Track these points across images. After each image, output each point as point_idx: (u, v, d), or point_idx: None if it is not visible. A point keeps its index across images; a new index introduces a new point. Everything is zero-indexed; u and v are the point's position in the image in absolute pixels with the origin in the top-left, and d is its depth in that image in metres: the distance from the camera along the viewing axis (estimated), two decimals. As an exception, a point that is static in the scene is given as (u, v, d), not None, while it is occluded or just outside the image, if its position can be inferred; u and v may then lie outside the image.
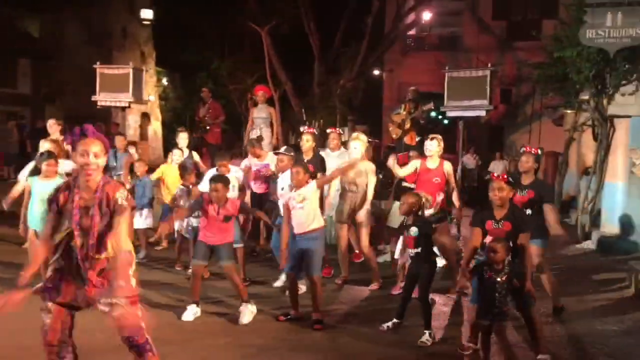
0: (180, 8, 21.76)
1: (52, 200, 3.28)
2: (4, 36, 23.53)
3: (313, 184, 5.20)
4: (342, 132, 7.82)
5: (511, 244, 4.21)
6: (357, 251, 7.06)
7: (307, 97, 15.87)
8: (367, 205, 6.29)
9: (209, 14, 20.22)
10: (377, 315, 5.33)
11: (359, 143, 6.32)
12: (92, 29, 21.87)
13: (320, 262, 5.28)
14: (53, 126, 7.91)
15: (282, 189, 6.13)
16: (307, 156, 6.75)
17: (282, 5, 15.44)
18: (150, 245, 7.75)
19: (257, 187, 7.51)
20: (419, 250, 4.90)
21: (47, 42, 23.86)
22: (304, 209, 5.13)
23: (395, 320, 5.03)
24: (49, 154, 5.83)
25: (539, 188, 5.20)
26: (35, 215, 5.74)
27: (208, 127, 11.09)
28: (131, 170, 8.16)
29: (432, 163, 6.31)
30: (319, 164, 6.63)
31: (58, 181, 5.70)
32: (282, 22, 15.44)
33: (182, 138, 8.30)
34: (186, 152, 8.20)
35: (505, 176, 4.47)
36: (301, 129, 7.65)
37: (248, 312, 5.19)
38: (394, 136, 9.84)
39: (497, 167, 15.21)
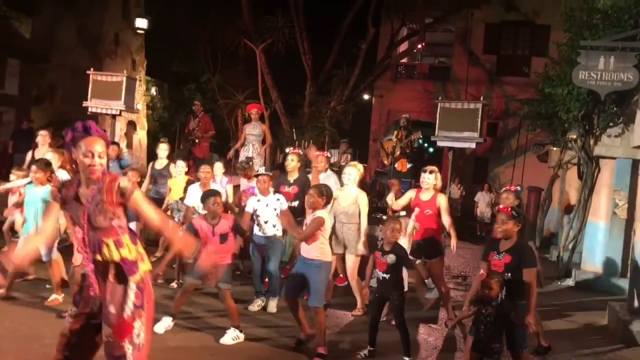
0: (173, 18, 21.80)
1: (56, 194, 3.21)
2: (-6, 34, 23.33)
3: (323, 211, 5.09)
4: (330, 155, 7.84)
5: (510, 276, 4.21)
6: (341, 275, 7.04)
7: (297, 117, 15.93)
8: (363, 237, 6.20)
9: (202, 27, 20.28)
10: (360, 342, 5.30)
11: (354, 170, 6.27)
12: (85, 33, 21.78)
13: (324, 292, 5.16)
14: (45, 137, 7.81)
15: (267, 205, 6.16)
16: (292, 176, 6.79)
17: (277, 24, 15.57)
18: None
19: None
20: (387, 276, 4.89)
21: (38, 44, 23.67)
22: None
23: (369, 347, 5.00)
24: (38, 162, 5.82)
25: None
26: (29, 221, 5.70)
27: (197, 141, 11.06)
28: None
29: (426, 195, 6.25)
30: (305, 185, 6.63)
31: (47, 188, 5.67)
32: (277, 41, 15.55)
33: (162, 149, 8.27)
34: (165, 162, 8.17)
35: (510, 209, 4.48)
36: (286, 149, 7.65)
37: (232, 336, 5.12)
38: (385, 162, 9.92)
39: (483, 199, 15.34)
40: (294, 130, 13.36)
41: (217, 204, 5.19)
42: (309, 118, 15.27)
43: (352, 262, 6.32)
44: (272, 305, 6.25)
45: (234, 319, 5.17)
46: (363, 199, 6.26)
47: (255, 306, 6.27)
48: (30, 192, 5.78)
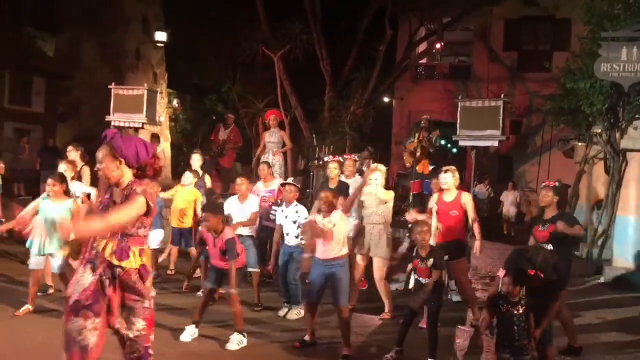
0: (192, 30, 22.03)
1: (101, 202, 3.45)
2: (20, 55, 23.88)
3: (339, 211, 5.16)
4: (357, 159, 7.82)
5: (552, 246, 4.55)
6: (363, 279, 7.01)
7: (317, 122, 15.92)
8: (388, 235, 6.23)
9: (220, 37, 20.45)
10: (389, 345, 5.26)
11: (379, 174, 6.30)
12: (107, 49, 22.13)
13: (348, 290, 5.20)
14: (71, 152, 7.92)
15: (286, 217, 6.23)
16: (333, 184, 6.79)
17: (294, 31, 15.60)
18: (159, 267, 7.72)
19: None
20: (427, 280, 4.88)
21: (62, 62, 24.12)
22: (332, 236, 5.09)
23: (396, 348, 4.96)
24: (54, 176, 5.86)
25: (563, 220, 5.12)
26: (37, 234, 5.73)
27: (225, 152, 11.19)
28: None
29: (449, 196, 6.16)
30: (344, 191, 6.63)
31: (67, 203, 5.73)
32: (294, 48, 15.58)
33: (195, 159, 8.37)
34: (199, 173, 8.24)
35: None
36: (326, 158, 7.71)
37: (237, 341, 5.18)
38: (407, 165, 9.85)
39: (507, 198, 15.13)
40: (314, 135, 13.34)
41: (207, 220, 5.33)
42: (329, 123, 15.24)
43: (379, 265, 6.30)
44: (293, 313, 6.27)
45: (239, 324, 5.25)
46: (390, 197, 6.33)
47: (283, 312, 6.31)
48: (46, 206, 5.76)
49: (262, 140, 10.34)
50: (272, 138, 10.28)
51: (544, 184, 5.52)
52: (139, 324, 3.31)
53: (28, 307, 5.76)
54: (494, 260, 9.67)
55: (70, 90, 23.18)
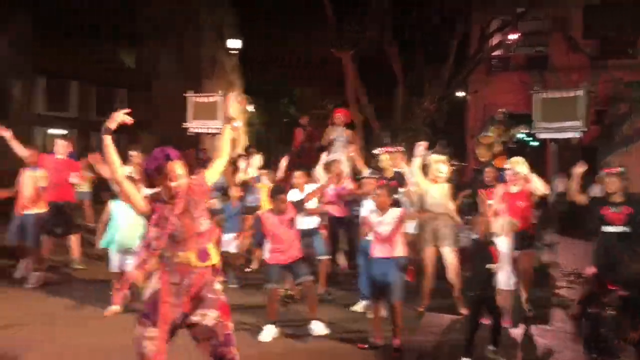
0: (264, 36, 22.46)
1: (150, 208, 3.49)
2: (106, 68, 25.28)
3: (398, 210, 5.14)
4: (404, 150, 7.79)
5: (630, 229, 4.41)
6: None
7: (389, 120, 15.82)
8: (453, 229, 6.15)
9: (291, 41, 20.73)
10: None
11: (446, 167, 6.29)
12: (183, 58, 22.95)
13: (402, 286, 5.19)
14: (136, 157, 8.30)
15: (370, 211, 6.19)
16: (388, 175, 6.84)
17: (363, 30, 15.57)
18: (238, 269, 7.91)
19: (334, 210, 7.54)
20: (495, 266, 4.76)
21: (142, 73, 25.29)
22: (389, 234, 5.08)
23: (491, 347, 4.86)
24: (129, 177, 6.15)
25: (634, 203, 5.07)
26: (111, 235, 6.04)
27: (305, 152, 11.39)
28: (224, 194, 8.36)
29: (515, 187, 6.15)
30: (401, 181, 6.65)
31: None
32: (364, 47, 15.55)
33: (256, 159, 8.55)
34: (254, 172, 8.42)
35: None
36: (377, 150, 7.72)
37: (319, 328, 5.35)
38: (482, 159, 9.59)
39: (594, 192, 14.39)
40: (386, 134, 13.27)
41: (282, 201, 5.52)
42: (401, 120, 15.11)
43: (451, 256, 6.20)
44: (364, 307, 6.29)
45: (313, 310, 5.41)
46: (450, 190, 6.36)
47: (359, 307, 6.30)
48: (116, 207, 6.08)
49: (328, 139, 10.36)
50: (339, 137, 10.31)
51: (606, 171, 5.50)
52: (213, 313, 3.38)
53: (115, 307, 6.08)
54: (577, 256, 9.24)
55: (150, 99, 24.22)
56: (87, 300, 6.57)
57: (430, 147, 10.31)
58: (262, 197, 7.90)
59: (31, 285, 7.14)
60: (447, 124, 16.90)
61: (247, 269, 8.08)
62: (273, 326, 5.40)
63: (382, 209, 5.15)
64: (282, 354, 5.08)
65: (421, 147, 6.08)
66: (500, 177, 6.75)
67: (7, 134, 7.43)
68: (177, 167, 3.40)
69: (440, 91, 15.41)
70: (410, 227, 6.64)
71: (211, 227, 3.50)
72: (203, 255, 3.39)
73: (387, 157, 7.04)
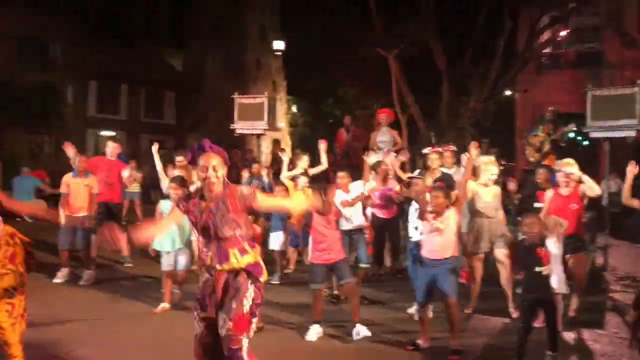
0: (308, 37, 22.54)
1: (179, 203, 3.53)
2: (154, 71, 25.88)
3: (452, 210, 5.06)
4: (456, 150, 7.67)
5: None
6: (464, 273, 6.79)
7: (434, 120, 15.62)
8: (506, 230, 6.04)
9: (335, 42, 20.71)
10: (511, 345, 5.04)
11: (496, 169, 6.22)
12: (229, 61, 23.28)
13: (456, 284, 5.12)
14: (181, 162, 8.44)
15: (415, 210, 6.12)
16: (434, 175, 6.72)
17: (408, 29, 15.43)
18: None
19: (380, 212, 7.49)
20: (543, 269, 4.60)
21: (190, 76, 25.77)
22: (443, 235, 5.00)
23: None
24: (173, 179, 6.27)
25: None
26: (166, 236, 6.14)
27: (351, 153, 11.41)
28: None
29: (566, 190, 5.96)
30: (449, 181, 6.54)
31: None
32: (409, 46, 15.41)
33: (303, 160, 8.57)
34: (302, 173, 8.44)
35: None
36: (425, 150, 7.65)
37: (362, 332, 5.29)
38: (531, 160, 9.37)
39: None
40: (431, 133, 13.11)
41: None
42: (447, 120, 14.90)
43: (503, 259, 6.09)
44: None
45: (356, 314, 5.38)
46: (498, 191, 6.26)
47: (414, 309, 6.24)
48: (167, 207, 6.15)
49: (373, 140, 10.31)
50: (384, 137, 10.24)
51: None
52: (228, 324, 3.26)
53: (165, 305, 6.21)
54: (632, 259, 8.92)
55: (197, 101, 24.65)
56: (138, 297, 6.73)
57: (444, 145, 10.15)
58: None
59: (84, 282, 7.37)
60: (494, 124, 16.55)
61: (286, 270, 8.12)
62: (318, 325, 5.41)
63: (438, 212, 5.03)
64: (329, 353, 5.08)
65: (473, 148, 5.94)
66: (552, 179, 6.57)
67: (71, 151, 7.70)
68: (209, 159, 3.33)
69: (487, 90, 15.11)
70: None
71: (243, 236, 3.38)
72: (221, 257, 3.32)
73: (437, 157, 6.94)
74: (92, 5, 25.01)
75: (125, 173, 8.29)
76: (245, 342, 3.27)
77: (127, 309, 6.30)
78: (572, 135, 11.77)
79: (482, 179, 6.21)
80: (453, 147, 7.54)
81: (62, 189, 7.63)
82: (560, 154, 9.08)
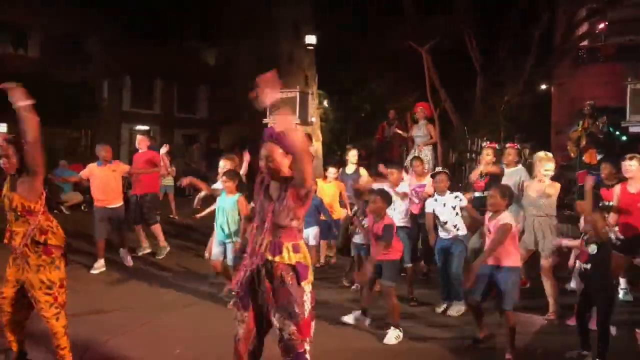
0: (339, 31, 22.43)
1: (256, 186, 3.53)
2: (187, 66, 26.18)
3: (508, 214, 4.89)
4: (519, 148, 7.49)
5: None
6: (523, 277, 6.65)
7: (468, 114, 15.41)
8: (553, 228, 5.89)
9: (367, 35, 20.58)
10: (553, 347, 4.95)
11: (552, 165, 5.96)
12: (262, 55, 23.36)
13: (515, 295, 4.90)
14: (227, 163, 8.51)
15: (445, 204, 6.05)
16: (483, 172, 6.68)
17: (442, 22, 15.23)
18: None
19: (413, 207, 7.45)
20: (588, 266, 4.47)
21: (222, 70, 25.95)
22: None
23: (583, 352, 4.62)
24: (227, 173, 6.33)
25: None
26: (218, 226, 6.21)
27: (389, 147, 11.40)
28: None
29: (635, 186, 5.70)
30: (497, 177, 6.46)
31: (235, 197, 6.17)
32: (442, 40, 15.22)
33: (352, 155, 8.58)
34: (354, 167, 8.42)
35: None
36: (483, 144, 7.55)
37: (394, 336, 5.17)
38: (572, 155, 9.17)
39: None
40: (465, 128, 12.93)
41: (374, 202, 5.34)
42: (481, 114, 14.68)
43: (546, 260, 5.94)
44: (455, 310, 6.09)
45: (395, 317, 5.22)
46: (555, 189, 5.95)
47: (441, 308, 6.19)
48: (221, 200, 6.28)
49: (410, 135, 10.23)
50: (419, 132, 10.16)
51: None
52: (289, 327, 3.22)
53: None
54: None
55: (229, 96, 24.79)
56: (173, 288, 6.82)
57: (508, 142, 9.95)
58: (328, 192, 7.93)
59: (128, 264, 7.67)
60: (530, 118, 16.24)
61: (317, 265, 8.12)
62: (360, 312, 5.47)
63: (495, 211, 4.88)
64: (359, 349, 5.05)
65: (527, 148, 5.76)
66: (596, 178, 6.34)
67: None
68: (265, 148, 3.38)
69: (522, 84, 14.83)
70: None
71: (299, 230, 3.36)
72: (274, 248, 3.28)
73: (490, 152, 6.81)
74: (126, 1, 25.39)
75: (163, 149, 8.42)
76: (307, 346, 3.24)
77: (162, 299, 6.39)
78: (610, 129, 11.48)
79: (538, 175, 6.05)
80: (517, 145, 7.34)
81: (84, 174, 7.81)
82: (599, 149, 8.88)
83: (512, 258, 4.82)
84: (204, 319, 5.60)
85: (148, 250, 8.63)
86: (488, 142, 7.32)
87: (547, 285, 5.95)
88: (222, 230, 6.18)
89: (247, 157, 7.76)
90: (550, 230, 5.93)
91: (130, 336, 5.13)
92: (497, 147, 7.03)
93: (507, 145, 7.19)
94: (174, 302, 6.29)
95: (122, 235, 7.89)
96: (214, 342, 4.70)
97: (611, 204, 5.98)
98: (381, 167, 7.87)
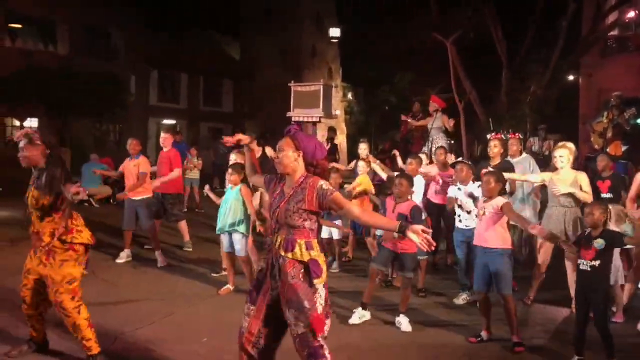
0: (363, 24, 22.37)
1: (266, 181, 3.62)
2: (212, 60, 26.37)
3: (502, 199, 4.95)
4: (521, 137, 7.50)
5: None
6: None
7: (494, 106, 15.26)
8: (577, 222, 5.83)
9: (391, 27, 20.48)
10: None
11: (565, 152, 5.89)
12: (285, 49, 23.42)
13: (510, 278, 4.97)
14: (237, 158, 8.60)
15: (469, 195, 6.05)
16: (494, 162, 6.63)
17: (467, 14, 15.08)
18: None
19: (436, 197, 7.47)
20: (596, 263, 4.39)
21: (246, 64, 26.05)
22: (489, 222, 4.95)
23: (577, 357, 4.55)
24: (233, 166, 6.47)
25: None
26: (220, 218, 6.35)
27: (413, 139, 11.41)
28: None
29: None
30: (506, 170, 6.41)
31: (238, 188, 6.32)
32: (467, 31, 15.08)
33: (362, 148, 8.58)
34: (361, 163, 8.45)
35: None
36: (488, 136, 7.53)
37: (405, 323, 5.28)
38: (596, 146, 9.06)
39: None
40: (490, 120, 12.83)
41: (400, 185, 5.44)
42: (506, 106, 14.52)
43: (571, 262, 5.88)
44: (460, 298, 6.20)
45: (403, 306, 5.32)
46: (583, 179, 5.84)
47: (460, 300, 6.20)
48: (227, 193, 6.42)
49: (424, 127, 10.26)
50: (435, 124, 10.21)
51: None
52: (301, 323, 3.22)
53: (229, 287, 6.41)
54: None
55: (254, 89, 24.89)
56: (197, 279, 6.96)
57: (533, 134, 9.90)
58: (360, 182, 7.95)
59: (160, 264, 7.65)
60: (557, 110, 16.00)
61: (344, 259, 8.16)
62: (361, 309, 5.46)
63: (489, 196, 4.97)
64: (393, 345, 5.10)
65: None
66: (619, 167, 6.26)
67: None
68: (282, 144, 3.41)
69: (549, 75, 14.62)
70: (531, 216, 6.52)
71: (313, 230, 3.34)
72: (287, 245, 3.29)
73: (497, 144, 6.76)
74: (151, -4, 25.66)
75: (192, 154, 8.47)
76: (323, 342, 3.26)
77: (186, 290, 6.51)
78: (638, 121, 11.28)
79: (554, 165, 6.03)
80: (519, 135, 7.34)
81: (120, 168, 8.10)
82: (624, 141, 8.76)
83: (504, 240, 4.91)
84: (229, 308, 5.70)
85: (189, 249, 8.72)
86: (494, 134, 7.27)
87: (573, 276, 5.91)
88: (224, 220, 6.31)
89: (268, 150, 7.85)
90: (575, 218, 5.85)
91: (158, 325, 5.25)
92: (503, 137, 6.99)
93: (509, 136, 7.20)
94: (199, 293, 6.41)
95: (154, 238, 7.92)
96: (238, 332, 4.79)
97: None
98: (398, 158, 7.97)
